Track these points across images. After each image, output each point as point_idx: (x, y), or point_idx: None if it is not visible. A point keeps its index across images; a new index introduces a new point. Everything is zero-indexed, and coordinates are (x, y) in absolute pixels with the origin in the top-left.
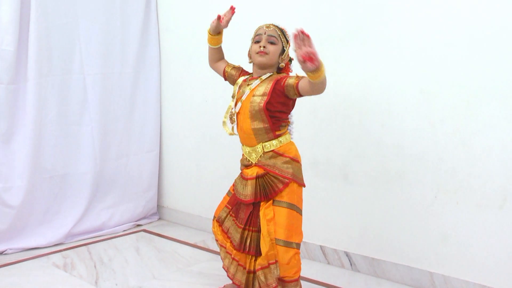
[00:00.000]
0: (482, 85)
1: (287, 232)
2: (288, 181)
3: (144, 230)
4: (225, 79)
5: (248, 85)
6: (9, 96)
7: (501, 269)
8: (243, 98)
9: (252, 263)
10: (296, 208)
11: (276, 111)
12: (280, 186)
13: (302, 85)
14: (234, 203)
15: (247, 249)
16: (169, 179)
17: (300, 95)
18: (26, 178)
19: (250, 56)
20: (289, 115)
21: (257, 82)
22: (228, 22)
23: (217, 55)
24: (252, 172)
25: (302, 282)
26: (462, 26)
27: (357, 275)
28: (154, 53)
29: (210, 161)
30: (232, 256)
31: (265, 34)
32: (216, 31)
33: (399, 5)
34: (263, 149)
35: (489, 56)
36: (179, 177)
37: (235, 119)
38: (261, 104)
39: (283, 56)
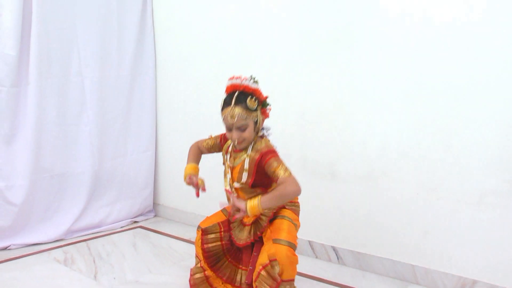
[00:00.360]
0: (462, 89)
1: (289, 235)
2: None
3: (141, 227)
4: (212, 152)
5: (234, 158)
6: (11, 99)
7: (477, 260)
8: (229, 164)
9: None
10: (293, 222)
11: (263, 183)
12: (270, 213)
13: (279, 183)
14: (227, 226)
15: (239, 284)
16: (165, 178)
17: None
18: (28, 177)
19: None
20: (267, 129)
21: (246, 160)
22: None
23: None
24: (250, 219)
25: None
26: (443, 33)
27: (343, 269)
28: (150, 56)
29: (203, 160)
30: (205, 273)
31: (233, 126)
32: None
33: (385, 11)
34: None
35: (468, 62)
36: (174, 176)
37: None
38: (248, 183)
39: (257, 126)
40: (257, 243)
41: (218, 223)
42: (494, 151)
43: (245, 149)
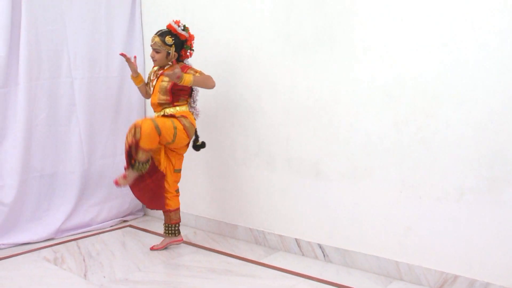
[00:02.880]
0: (441, 90)
1: (161, 124)
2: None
3: (130, 226)
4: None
5: (156, 74)
6: (0, 99)
7: (458, 256)
8: (154, 83)
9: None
10: (174, 125)
11: (177, 89)
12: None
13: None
14: None
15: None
16: None
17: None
18: (18, 177)
19: None
20: (194, 102)
21: (161, 71)
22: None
23: (145, 90)
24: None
25: (279, 273)
26: (423, 34)
27: (329, 265)
28: (139, 57)
29: (191, 159)
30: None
31: (152, 47)
32: (135, 74)
33: (365, 15)
34: (164, 113)
35: (447, 63)
36: None
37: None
38: (167, 86)
39: (170, 57)
40: None
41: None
42: (472, 150)
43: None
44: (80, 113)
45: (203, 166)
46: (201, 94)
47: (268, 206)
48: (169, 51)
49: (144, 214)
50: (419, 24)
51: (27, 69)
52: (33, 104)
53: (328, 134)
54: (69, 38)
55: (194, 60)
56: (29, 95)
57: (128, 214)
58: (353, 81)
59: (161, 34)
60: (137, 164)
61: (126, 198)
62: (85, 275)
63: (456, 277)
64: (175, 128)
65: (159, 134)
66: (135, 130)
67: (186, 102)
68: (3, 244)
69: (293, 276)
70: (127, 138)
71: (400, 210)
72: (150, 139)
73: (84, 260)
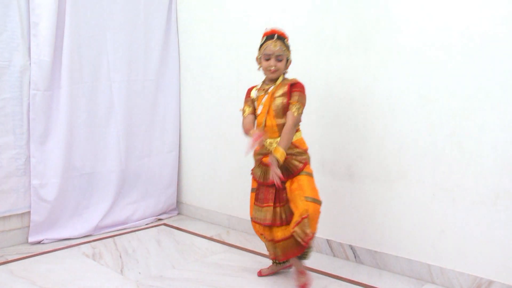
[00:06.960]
0: (477, 91)
1: (313, 192)
2: (305, 162)
3: (165, 224)
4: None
5: (264, 90)
6: (45, 102)
7: (493, 261)
8: (263, 100)
9: (278, 232)
10: (312, 175)
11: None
12: (301, 165)
13: (288, 113)
14: (258, 195)
15: (283, 221)
16: (188, 177)
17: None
18: (60, 175)
19: (259, 63)
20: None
21: (272, 87)
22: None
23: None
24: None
25: (310, 273)
26: (457, 36)
27: (360, 267)
28: (175, 61)
29: (225, 160)
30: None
31: (273, 54)
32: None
33: (399, 18)
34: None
35: (482, 64)
36: (197, 176)
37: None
38: (284, 102)
39: (288, 64)
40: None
41: (255, 204)
42: (508, 152)
43: (273, 81)
44: (118, 114)
45: (235, 167)
46: (233, 95)
47: None
48: (288, 57)
49: (179, 213)
50: (453, 25)
51: (70, 73)
52: (75, 106)
53: (361, 136)
54: (108, 43)
55: (237, 60)
56: (71, 97)
57: (163, 213)
58: (387, 83)
59: (280, 38)
60: (308, 251)
61: (161, 197)
62: (121, 271)
63: (491, 283)
64: (313, 177)
65: (321, 202)
66: (304, 223)
67: (299, 123)
68: (47, 239)
69: (324, 276)
70: (301, 239)
71: (433, 213)
72: (317, 217)
73: (120, 256)
